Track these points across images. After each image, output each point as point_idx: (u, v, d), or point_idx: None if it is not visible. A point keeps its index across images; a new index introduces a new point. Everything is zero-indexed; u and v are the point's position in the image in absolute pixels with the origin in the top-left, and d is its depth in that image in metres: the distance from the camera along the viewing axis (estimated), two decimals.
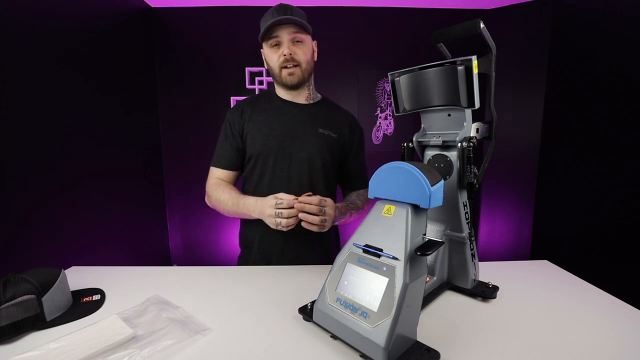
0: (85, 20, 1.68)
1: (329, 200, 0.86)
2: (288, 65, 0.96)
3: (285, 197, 0.83)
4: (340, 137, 1.06)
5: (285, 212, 0.81)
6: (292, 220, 0.82)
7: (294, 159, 0.99)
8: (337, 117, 1.08)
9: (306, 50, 0.98)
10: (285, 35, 0.94)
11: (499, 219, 2.62)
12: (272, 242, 1.02)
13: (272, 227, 0.84)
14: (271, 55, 0.97)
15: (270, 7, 0.95)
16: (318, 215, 0.83)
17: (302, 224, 0.83)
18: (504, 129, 2.41)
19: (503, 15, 2.43)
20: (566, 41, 2.18)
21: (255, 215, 0.90)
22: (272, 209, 0.82)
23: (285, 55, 0.94)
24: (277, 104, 1.04)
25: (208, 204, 1.05)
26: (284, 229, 0.83)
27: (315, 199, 0.83)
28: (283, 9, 0.93)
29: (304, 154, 1.00)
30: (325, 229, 0.87)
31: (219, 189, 1.00)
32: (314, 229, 0.84)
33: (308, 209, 0.82)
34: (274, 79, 1.03)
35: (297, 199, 0.82)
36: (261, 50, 1.02)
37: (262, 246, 1.03)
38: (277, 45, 0.96)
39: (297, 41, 0.96)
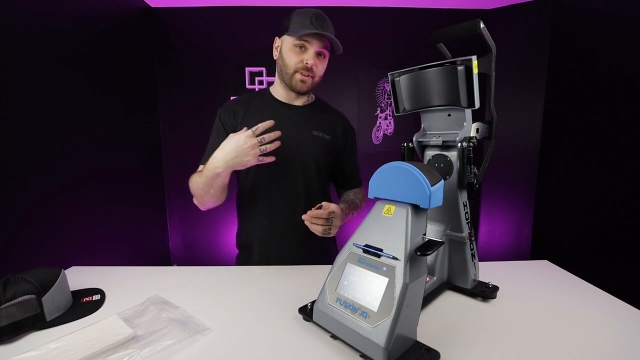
0: (85, 20, 1.68)
1: (337, 212, 0.87)
2: (304, 73, 0.95)
3: (259, 126, 0.80)
4: (333, 139, 1.06)
5: (267, 136, 0.80)
6: (274, 145, 0.81)
7: (289, 161, 0.99)
8: (330, 119, 1.08)
9: (324, 66, 0.99)
10: (315, 44, 0.93)
11: (499, 219, 2.62)
12: (272, 242, 1.02)
13: (254, 162, 0.81)
14: (291, 55, 0.95)
15: (306, 7, 0.95)
16: (324, 225, 0.85)
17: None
18: (504, 129, 2.40)
19: (503, 15, 2.43)
20: (566, 41, 2.18)
21: (222, 164, 0.82)
22: (252, 138, 0.79)
23: (307, 63, 0.93)
24: (271, 105, 1.03)
25: (195, 203, 1.00)
26: (268, 160, 0.83)
27: (324, 213, 0.84)
28: (322, 19, 0.92)
29: (300, 156, 1.00)
30: (330, 236, 0.89)
31: (192, 176, 0.96)
32: (318, 234, 0.87)
33: (315, 221, 0.84)
34: (280, 75, 1.00)
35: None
36: (276, 38, 0.99)
37: (263, 247, 1.03)
38: (302, 48, 0.94)
39: (320, 54, 0.96)
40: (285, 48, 0.96)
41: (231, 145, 0.81)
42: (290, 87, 0.99)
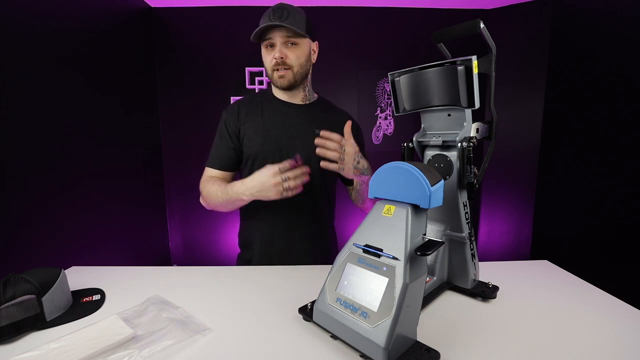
0: (85, 20, 1.68)
1: (349, 140, 0.86)
2: (279, 68, 0.95)
3: (285, 163, 0.82)
4: None
5: (292, 174, 0.80)
6: (299, 181, 0.81)
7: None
8: (334, 117, 1.07)
9: (300, 53, 0.96)
10: (278, 37, 0.93)
11: (499, 219, 2.62)
12: (273, 242, 1.02)
13: (276, 197, 0.82)
14: (265, 56, 0.97)
15: (270, 6, 0.94)
16: (336, 151, 0.83)
17: (321, 163, 0.84)
18: (504, 129, 2.40)
19: (503, 15, 2.43)
20: (566, 41, 2.18)
21: (247, 194, 0.87)
22: (277, 176, 0.80)
23: (276, 58, 0.94)
24: (273, 105, 1.03)
25: (202, 202, 1.03)
26: (291, 194, 0.82)
27: (336, 136, 0.83)
28: (280, 10, 0.91)
29: (302, 155, 1.00)
30: (345, 169, 0.86)
31: (209, 183, 0.99)
32: (333, 166, 0.84)
33: (329, 145, 0.82)
34: (269, 79, 1.03)
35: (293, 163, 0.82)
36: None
37: (264, 247, 1.03)
38: (272, 46, 0.95)
39: (291, 44, 0.95)
40: (262, 53, 0.99)
41: (257, 180, 0.84)
42: (275, 86, 1.01)
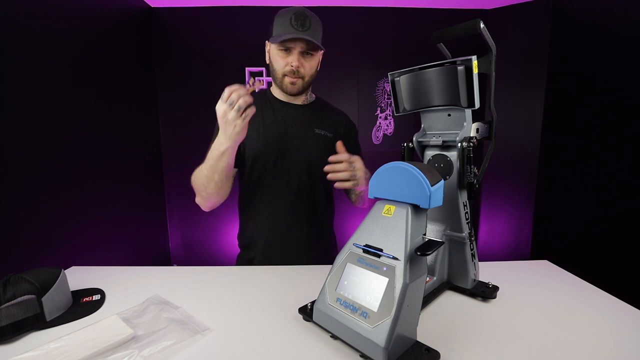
0: (85, 20, 1.68)
1: (355, 156, 0.85)
2: (291, 76, 0.95)
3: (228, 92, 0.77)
4: (336, 137, 1.06)
5: (235, 95, 0.76)
6: (247, 99, 0.77)
7: (293, 160, 1.00)
8: (332, 117, 1.08)
9: (313, 64, 0.98)
10: (298, 46, 0.92)
11: (499, 219, 2.62)
12: (275, 241, 1.02)
13: (241, 125, 0.79)
14: (278, 59, 0.96)
15: (287, 7, 0.93)
16: (347, 170, 0.83)
17: (336, 185, 0.83)
18: (504, 129, 2.41)
19: (503, 15, 2.43)
20: (566, 41, 2.18)
21: (222, 140, 0.83)
22: (222, 105, 0.77)
23: (292, 66, 0.93)
24: (273, 105, 1.03)
25: (197, 202, 1.00)
26: (250, 112, 0.79)
27: (344, 156, 0.82)
28: (302, 18, 0.91)
29: (303, 154, 1.00)
30: (359, 185, 0.86)
31: (194, 173, 0.96)
32: (348, 185, 0.84)
33: (338, 167, 0.82)
34: (273, 79, 1.02)
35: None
36: (266, 42, 1.00)
37: (266, 246, 1.03)
38: (286, 50, 0.94)
39: (307, 54, 0.95)
40: (272, 53, 0.97)
41: (218, 122, 0.82)
42: (282, 90, 1.00)
